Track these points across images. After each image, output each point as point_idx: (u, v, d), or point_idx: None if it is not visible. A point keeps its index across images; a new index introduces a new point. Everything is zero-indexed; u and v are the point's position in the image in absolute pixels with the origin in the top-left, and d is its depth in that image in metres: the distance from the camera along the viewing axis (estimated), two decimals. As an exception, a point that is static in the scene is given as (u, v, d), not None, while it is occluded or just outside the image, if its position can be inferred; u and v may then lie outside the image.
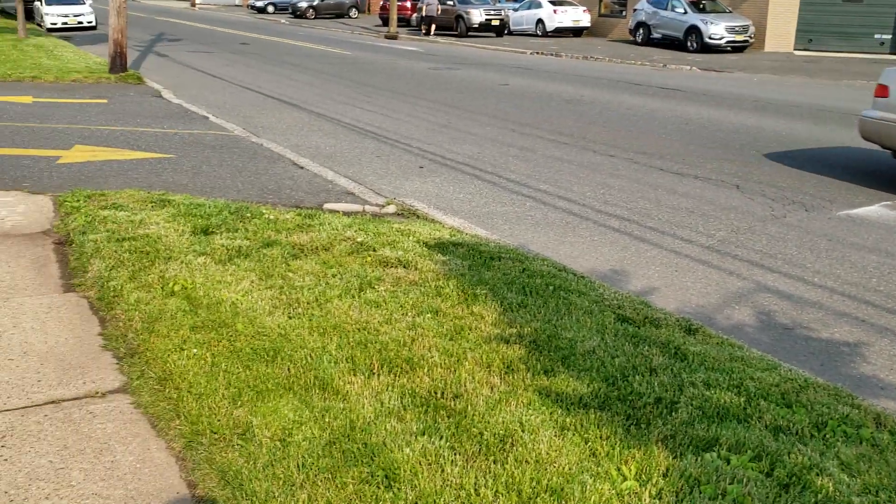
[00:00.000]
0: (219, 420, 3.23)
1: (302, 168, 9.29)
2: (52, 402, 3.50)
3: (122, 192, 6.88)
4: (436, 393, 3.46)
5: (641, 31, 30.07)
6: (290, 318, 4.23)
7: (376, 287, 4.72)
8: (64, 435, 3.25)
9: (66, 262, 5.28)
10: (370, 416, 3.24)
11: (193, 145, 9.98)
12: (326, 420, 3.22)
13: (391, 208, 7.57)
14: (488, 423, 3.21)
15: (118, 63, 16.21)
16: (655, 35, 29.38)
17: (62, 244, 5.64)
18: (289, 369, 3.64)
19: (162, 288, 4.56)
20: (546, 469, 2.90)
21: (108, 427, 3.33)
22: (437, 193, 8.55)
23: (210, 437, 3.13)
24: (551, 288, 4.82)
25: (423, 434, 3.11)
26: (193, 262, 4.97)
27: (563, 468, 2.91)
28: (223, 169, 8.79)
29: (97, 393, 3.61)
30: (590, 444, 3.10)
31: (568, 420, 3.27)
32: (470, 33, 34.37)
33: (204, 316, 4.19)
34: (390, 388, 3.49)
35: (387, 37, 34.32)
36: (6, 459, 3.05)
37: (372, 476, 2.85)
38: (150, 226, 5.74)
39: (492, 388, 3.53)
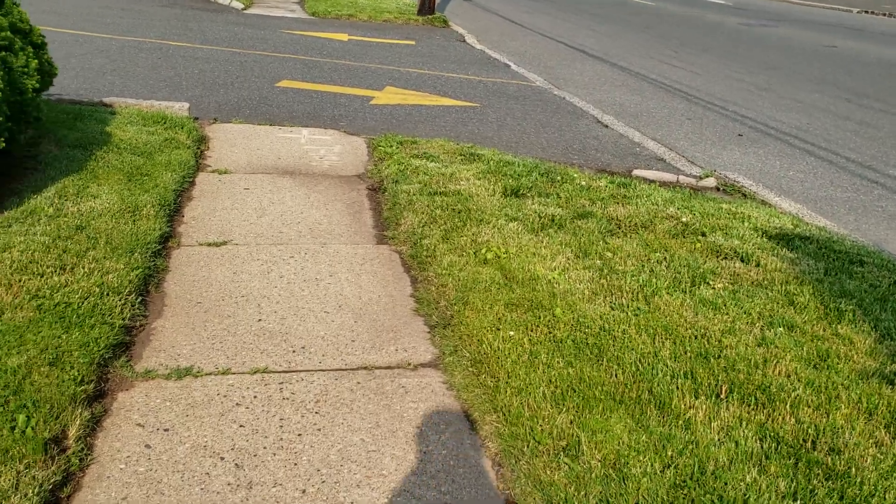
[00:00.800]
0: (541, 426, 2.82)
1: (606, 127, 8.67)
2: (365, 368, 3.32)
3: (433, 140, 6.74)
4: (804, 441, 2.77)
5: None
6: (612, 308, 3.71)
7: (711, 283, 4.05)
8: (376, 410, 3.02)
9: (378, 211, 5.19)
10: (723, 460, 2.64)
11: (497, 95, 9.74)
12: (668, 453, 2.67)
13: (710, 181, 6.74)
14: (883, 499, 2.47)
15: (426, 5, 16.51)
16: None
17: (375, 191, 5.58)
18: (617, 375, 3.13)
19: (475, 254, 4.25)
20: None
21: (419, 407, 3.06)
22: (762, 168, 7.52)
23: (532, 445, 2.73)
24: (938, 313, 3.84)
25: (796, 499, 2.46)
26: (505, 228, 4.61)
27: None
28: (527, 123, 8.43)
29: (409, 364, 3.37)
30: None
31: None
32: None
33: (519, 293, 3.80)
34: (744, 424, 2.85)
35: (692, -13, 32.03)
36: (319, 430, 2.88)
37: (732, 545, 2.27)
38: (461, 181, 5.49)
39: (879, 447, 2.76)
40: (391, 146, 6.41)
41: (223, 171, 5.67)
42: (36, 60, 4.42)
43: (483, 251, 4.24)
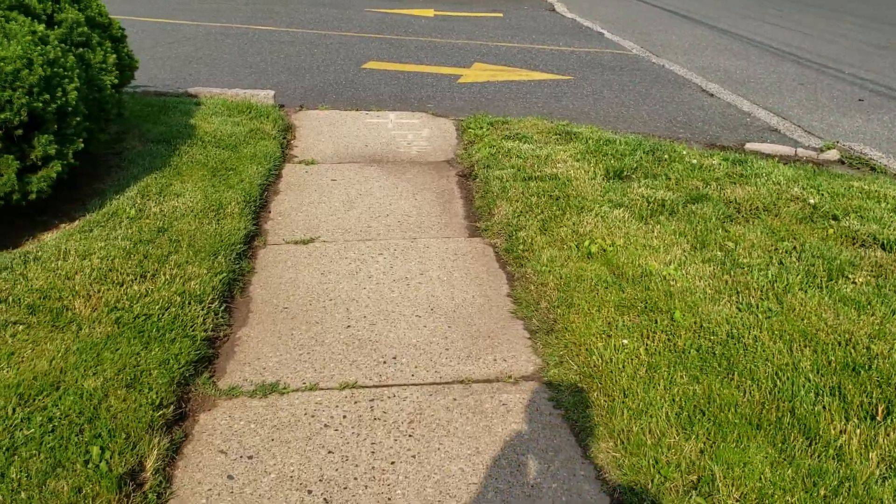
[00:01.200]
0: (666, 456, 2.45)
1: (712, 96, 8.06)
2: (461, 382, 3.02)
3: (525, 119, 6.35)
4: None
5: None
6: (739, 310, 3.28)
7: (851, 276, 3.56)
8: (475, 433, 2.72)
9: (470, 200, 4.87)
10: (889, 501, 2.22)
11: (591, 66, 9.23)
12: (820, 492, 2.27)
13: (832, 154, 6.11)
14: None
15: (513, -25, 15.94)
16: None
17: (466, 177, 5.26)
18: (752, 393, 2.73)
19: (577, 247, 3.88)
20: None
21: (523, 430, 2.74)
22: (889, 136, 6.81)
23: (657, 480, 2.37)
24: None
25: None
26: (610, 216, 4.21)
27: None
28: (625, 94, 7.91)
29: (509, 377, 3.05)
30: None
31: None
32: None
33: (630, 292, 3.42)
34: (911, 455, 2.41)
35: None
36: (414, 456, 2.60)
37: None
38: (558, 164, 5.11)
39: None
40: (481, 128, 6.07)
41: (310, 162, 5.46)
42: (114, 55, 4.28)
43: (586, 243, 3.87)
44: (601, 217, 4.19)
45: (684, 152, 5.36)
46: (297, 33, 10.43)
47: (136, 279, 3.37)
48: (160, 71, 7.97)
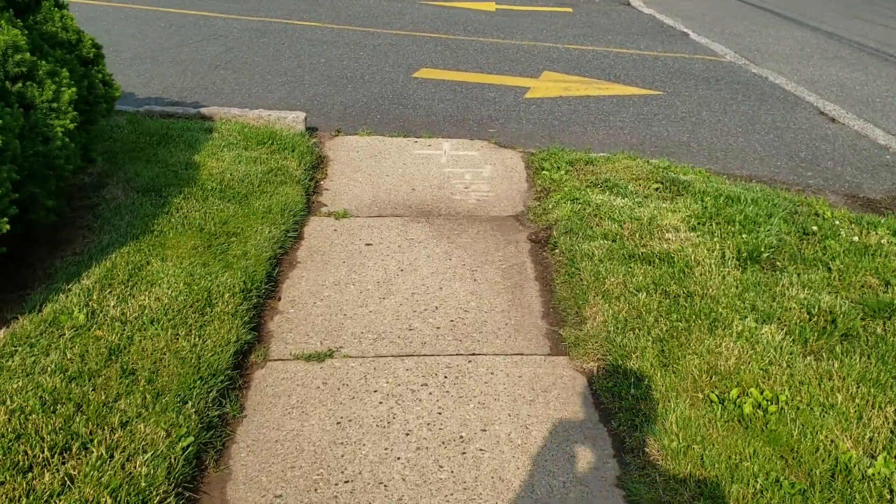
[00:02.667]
0: None
1: (834, 121, 6.63)
2: None
3: (613, 157, 5.04)
4: None
5: None
6: None
7: None
8: None
9: (548, 284, 3.61)
10: None
11: (681, 77, 7.83)
12: None
13: None
14: None
15: (583, -36, 14.47)
16: None
17: (541, 244, 4.00)
18: None
19: (720, 400, 2.60)
20: None
21: None
22: None
23: None
24: None
25: None
26: (760, 340, 2.91)
27: None
28: (728, 117, 6.52)
29: None
30: None
31: None
32: None
33: (824, 496, 2.13)
34: None
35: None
36: None
37: None
38: (667, 233, 3.81)
39: None
40: (558, 168, 4.79)
41: (341, 215, 4.26)
42: (73, 89, 3.10)
43: (733, 394, 2.58)
44: (747, 340, 2.89)
45: (836, 221, 4.01)
46: (342, 31, 9.22)
47: (52, 457, 2.20)
48: (179, 78, 6.84)
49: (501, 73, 7.68)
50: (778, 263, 3.53)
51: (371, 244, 3.96)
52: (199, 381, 2.62)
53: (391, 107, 6.39)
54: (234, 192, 4.13)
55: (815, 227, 3.87)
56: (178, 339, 2.82)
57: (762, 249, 3.60)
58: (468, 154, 5.33)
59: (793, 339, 2.91)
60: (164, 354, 2.71)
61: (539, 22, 10.54)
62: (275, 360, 2.99)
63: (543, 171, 4.78)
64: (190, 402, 2.51)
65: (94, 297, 3.01)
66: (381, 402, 2.76)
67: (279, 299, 3.41)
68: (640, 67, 8.15)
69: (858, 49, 9.66)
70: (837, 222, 3.97)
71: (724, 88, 7.46)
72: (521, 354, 3.08)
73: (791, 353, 2.82)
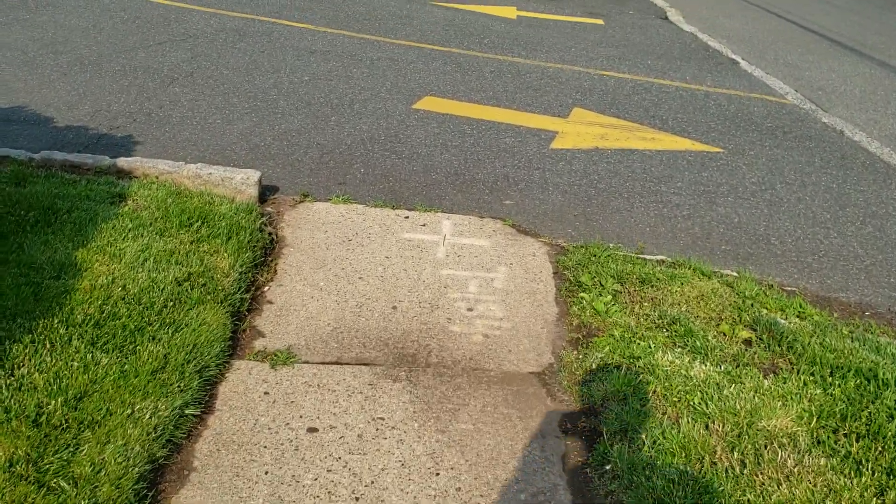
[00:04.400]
0: None
1: (943, 204, 5.20)
2: None
3: (679, 275, 3.62)
4: None
5: None
6: None
7: None
8: None
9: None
10: None
11: (741, 126, 6.39)
12: None
13: None
14: None
15: (616, -32, 12.96)
16: None
17: (582, 440, 2.59)
18: None
19: None
20: None
21: None
22: None
23: None
24: None
25: None
26: None
27: None
28: (810, 194, 5.11)
29: None
30: None
31: None
32: None
33: None
34: None
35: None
36: None
37: None
38: (781, 450, 2.42)
39: None
40: (601, 288, 3.40)
41: (281, 359, 2.87)
42: None
43: None
44: None
45: None
46: (336, 38, 7.77)
47: None
48: (120, 97, 5.44)
49: (522, 107, 6.25)
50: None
51: (316, 429, 2.56)
52: None
53: (382, 155, 4.97)
54: (119, 325, 2.72)
55: None
56: None
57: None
58: (476, 244, 3.91)
59: None
60: None
61: (566, 36, 9.07)
62: None
63: (581, 294, 3.37)
64: None
65: None
66: None
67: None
68: (689, 108, 6.71)
69: (942, 94, 8.20)
70: None
71: (795, 146, 6.02)
72: None
73: None
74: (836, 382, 2.76)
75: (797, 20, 11.99)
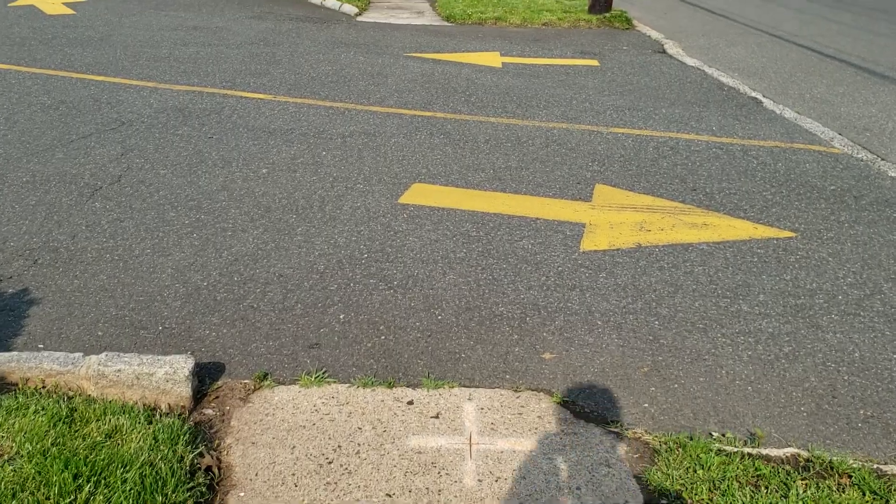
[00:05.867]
0: None
1: None
2: None
3: (832, 497, 2.34)
4: None
5: None
6: None
7: None
8: None
9: None
10: None
11: (801, 193, 5.21)
12: None
13: None
14: None
15: (601, 0, 11.94)
16: None
17: None
18: None
19: None
20: None
21: None
22: None
23: None
24: None
25: None
26: None
27: None
28: (936, 301, 3.89)
29: None
30: None
31: None
32: None
33: None
34: None
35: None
36: None
37: None
38: None
39: None
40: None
41: None
42: None
43: None
44: None
45: None
46: (300, 109, 6.54)
47: None
48: (17, 226, 4.24)
49: (533, 190, 5.03)
50: None
51: None
52: None
53: (366, 286, 3.71)
54: None
55: None
56: None
57: None
58: (517, 449, 2.65)
59: None
60: None
61: (562, 85, 7.90)
62: None
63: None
64: None
65: None
66: None
67: None
68: (732, 173, 5.52)
69: None
70: None
71: (878, 220, 4.84)
72: None
73: None
74: None
75: (809, 45, 10.95)
